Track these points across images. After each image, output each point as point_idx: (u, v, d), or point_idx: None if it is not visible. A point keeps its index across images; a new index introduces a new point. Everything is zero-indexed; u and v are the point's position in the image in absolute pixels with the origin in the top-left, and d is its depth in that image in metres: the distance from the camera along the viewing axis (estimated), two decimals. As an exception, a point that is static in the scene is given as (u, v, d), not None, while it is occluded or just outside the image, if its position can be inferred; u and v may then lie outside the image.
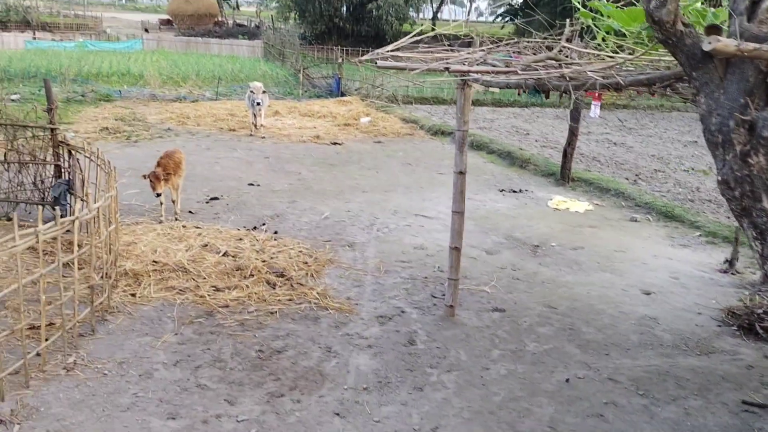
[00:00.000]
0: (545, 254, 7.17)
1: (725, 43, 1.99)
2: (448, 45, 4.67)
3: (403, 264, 6.49)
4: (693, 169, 9.90)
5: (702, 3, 3.38)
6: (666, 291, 6.34)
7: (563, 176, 10.68)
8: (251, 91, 13.46)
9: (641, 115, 19.30)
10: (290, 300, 5.40)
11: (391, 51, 4.20)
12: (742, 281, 6.65)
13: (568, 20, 3.92)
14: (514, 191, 10.01)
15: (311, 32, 35.83)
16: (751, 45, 2.03)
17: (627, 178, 11.16)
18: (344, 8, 36.20)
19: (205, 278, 5.61)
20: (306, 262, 6.20)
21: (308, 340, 4.78)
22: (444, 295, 5.60)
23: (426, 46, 4.49)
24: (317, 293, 5.53)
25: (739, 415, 4.16)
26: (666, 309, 5.90)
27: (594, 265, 6.92)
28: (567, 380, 4.47)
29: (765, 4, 2.34)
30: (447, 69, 3.83)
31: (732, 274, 6.85)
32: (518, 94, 17.80)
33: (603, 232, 8.16)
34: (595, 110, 16.93)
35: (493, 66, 4.05)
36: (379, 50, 4.35)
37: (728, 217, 8.84)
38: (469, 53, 4.30)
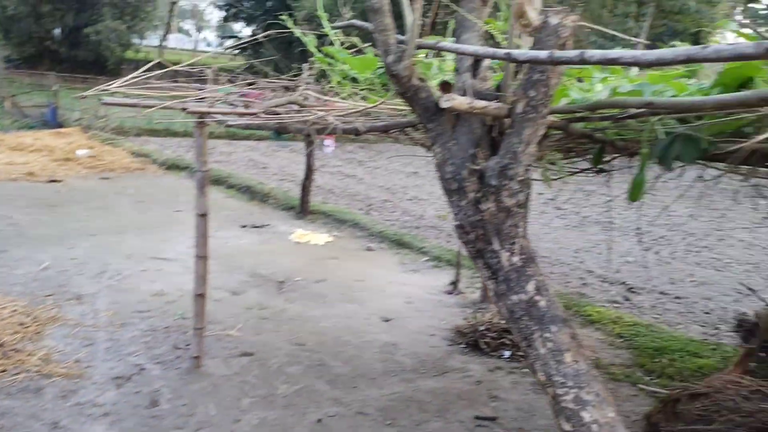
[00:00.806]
0: (291, 290, 7.19)
1: (459, 101, 2.15)
2: (186, 79, 4.45)
3: (141, 314, 5.97)
4: (439, 216, 10.83)
5: (425, 55, 3.67)
6: (403, 316, 6.74)
7: (303, 209, 10.89)
8: (-59, 121, 11.51)
9: (369, 149, 20.62)
10: (3, 371, 4.62)
11: (121, 85, 3.85)
12: (466, 301, 7.34)
13: (305, 64, 3.98)
14: (257, 226, 9.92)
15: (19, 55, 32.00)
16: (481, 103, 2.22)
17: (360, 209, 11.76)
18: (58, 31, 33.01)
19: None
20: (22, 323, 5.37)
21: (29, 417, 4.12)
22: (189, 345, 5.27)
23: (164, 80, 4.21)
24: (38, 359, 4.81)
25: (473, 430, 4.54)
26: (404, 333, 6.26)
27: (337, 297, 7.10)
28: (319, 420, 4.46)
29: (485, 63, 2.59)
30: (184, 110, 3.62)
31: (456, 294, 7.54)
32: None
33: (343, 263, 8.44)
34: (329, 146, 17.69)
35: (234, 107, 3.94)
36: (106, 85, 3.97)
37: (449, 242, 9.78)
38: (209, 91, 4.13)
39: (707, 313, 7.62)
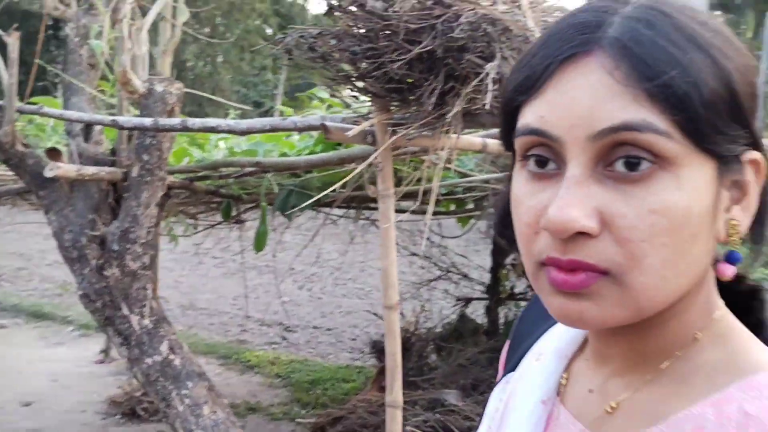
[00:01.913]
0: None
1: (66, 169, 2.09)
2: None
3: None
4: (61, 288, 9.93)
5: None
6: (47, 396, 6.07)
7: None
8: None
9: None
10: None
11: None
12: (119, 368, 6.92)
13: None
14: None
15: None
16: (92, 169, 2.19)
17: (-12, 282, 10.28)
18: None
19: None
20: None
21: None
22: None
23: None
24: None
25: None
26: (50, 416, 5.64)
27: (-41, 390, 6.08)
28: None
29: (98, 127, 2.56)
30: None
31: (109, 362, 7.06)
32: None
33: (-33, 348, 7.27)
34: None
35: None
36: None
37: (99, 306, 9.12)
38: None
39: (354, 339, 8.43)
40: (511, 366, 0.79)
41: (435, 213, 4.40)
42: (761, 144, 0.60)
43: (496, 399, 0.78)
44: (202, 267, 12.49)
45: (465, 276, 6.16)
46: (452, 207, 4.37)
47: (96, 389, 6.27)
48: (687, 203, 0.55)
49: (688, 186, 0.55)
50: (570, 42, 0.57)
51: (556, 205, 0.55)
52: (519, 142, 0.61)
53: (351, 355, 7.74)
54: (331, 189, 1.66)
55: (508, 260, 5.61)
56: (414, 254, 6.48)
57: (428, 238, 6.10)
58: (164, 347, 2.39)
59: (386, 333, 1.68)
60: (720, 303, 0.66)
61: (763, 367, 0.60)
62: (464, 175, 3.14)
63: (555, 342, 0.74)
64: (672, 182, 0.55)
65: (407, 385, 4.64)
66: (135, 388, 5.95)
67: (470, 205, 4.20)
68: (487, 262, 6.11)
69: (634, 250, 0.55)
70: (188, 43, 23.42)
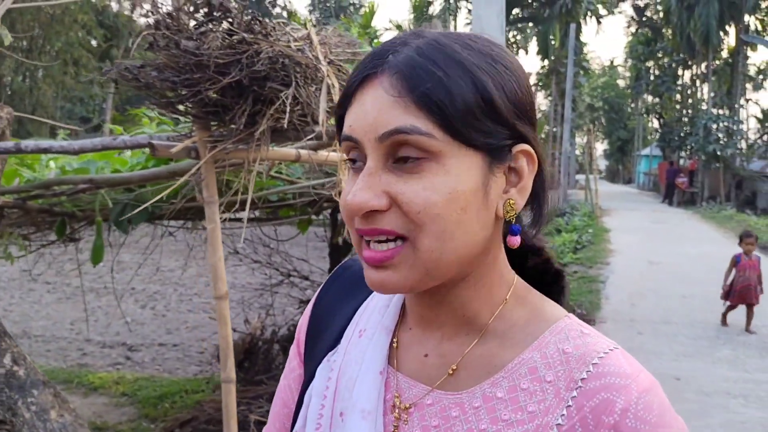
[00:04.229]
0: None
1: None
2: None
3: None
4: None
5: None
6: None
7: None
8: None
9: None
10: None
11: None
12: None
13: None
14: None
15: None
16: None
17: None
18: None
19: None
20: None
21: None
22: None
23: None
24: None
25: None
26: None
27: None
28: None
29: None
30: None
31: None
32: None
33: None
34: None
35: None
36: None
37: None
38: None
39: (201, 352, 8.46)
40: (328, 345, 0.89)
41: (270, 219, 4.69)
42: (530, 138, 0.74)
43: (323, 377, 0.85)
44: (33, 293, 11.77)
45: (306, 279, 6.48)
46: (291, 214, 4.66)
47: None
48: (453, 185, 0.69)
49: (453, 171, 0.70)
50: (366, 67, 0.72)
51: (351, 192, 0.71)
52: (342, 147, 0.76)
53: (199, 368, 7.77)
54: (159, 197, 1.92)
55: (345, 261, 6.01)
56: (257, 261, 6.71)
57: (269, 245, 6.37)
58: (7, 359, 2.48)
59: (218, 319, 1.96)
60: (513, 272, 0.81)
61: (559, 316, 0.78)
62: (293, 183, 3.46)
63: (377, 318, 0.85)
64: (440, 169, 0.70)
65: (254, 383, 4.90)
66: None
67: (302, 212, 4.53)
68: (326, 264, 6.49)
69: (414, 218, 0.69)
70: (3, 56, 21.73)
